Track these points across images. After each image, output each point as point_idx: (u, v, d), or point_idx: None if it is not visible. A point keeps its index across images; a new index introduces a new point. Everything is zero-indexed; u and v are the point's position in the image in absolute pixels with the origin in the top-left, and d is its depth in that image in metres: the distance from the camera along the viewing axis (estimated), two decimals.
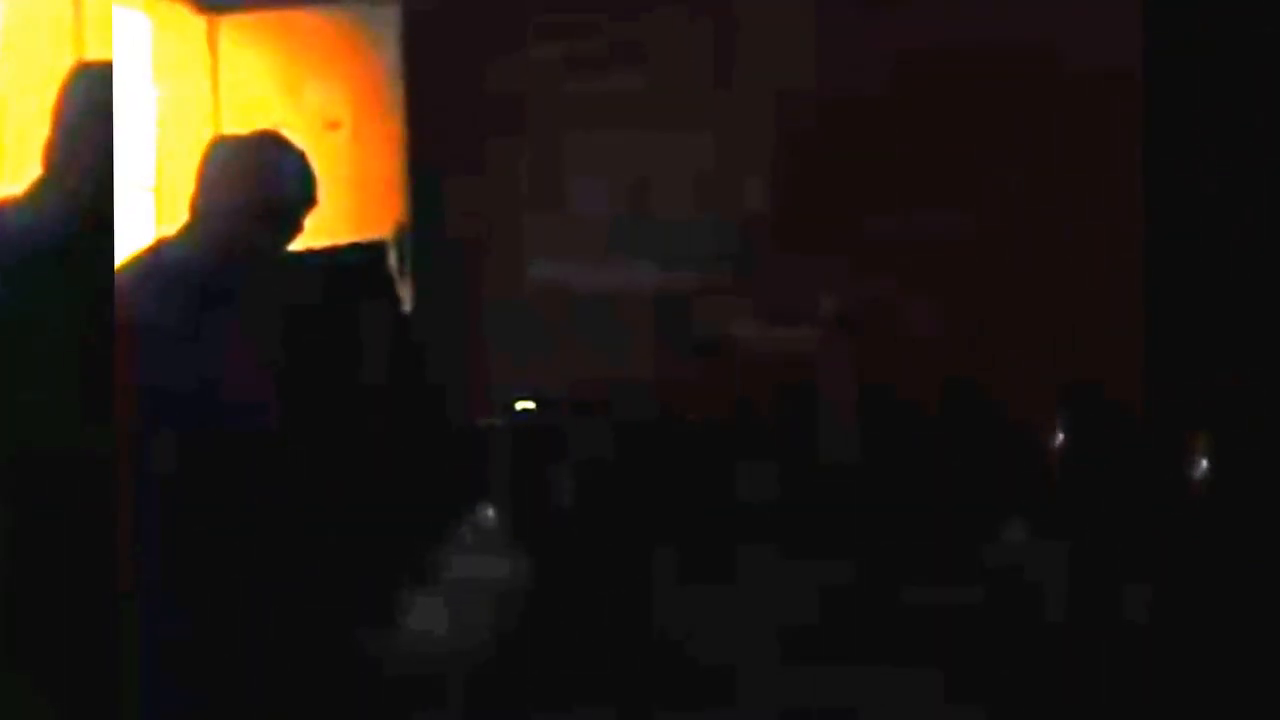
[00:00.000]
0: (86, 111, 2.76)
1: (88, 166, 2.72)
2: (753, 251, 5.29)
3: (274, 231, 3.27)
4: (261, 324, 3.18)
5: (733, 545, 4.67)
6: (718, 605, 4.45)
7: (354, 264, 4.45)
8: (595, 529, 4.69)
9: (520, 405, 5.02)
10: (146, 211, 5.30)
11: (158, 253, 3.27)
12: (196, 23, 5.45)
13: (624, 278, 5.32)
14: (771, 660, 4.25)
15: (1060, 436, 4.55)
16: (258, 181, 3.25)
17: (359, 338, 4.44)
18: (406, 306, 5.07)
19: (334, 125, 4.98)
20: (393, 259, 4.85)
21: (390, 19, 5.34)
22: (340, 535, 3.57)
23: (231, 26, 5.47)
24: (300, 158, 3.30)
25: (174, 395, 3.04)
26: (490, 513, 4.47)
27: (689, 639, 4.35)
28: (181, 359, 3.06)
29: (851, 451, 4.94)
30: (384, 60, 5.36)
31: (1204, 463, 4.14)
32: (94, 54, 4.61)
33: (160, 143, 5.38)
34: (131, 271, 3.18)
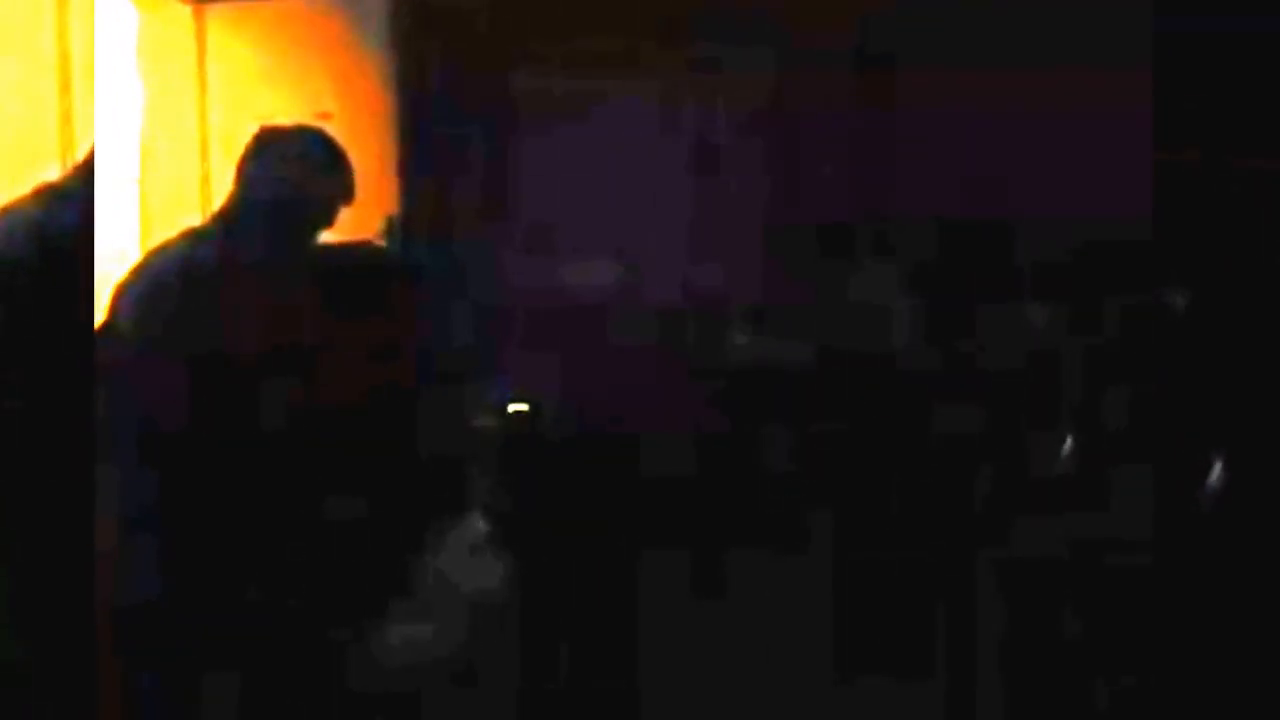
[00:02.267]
0: None
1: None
2: (750, 257, 5.25)
3: (310, 224, 3.34)
4: (262, 315, 3.19)
5: (725, 552, 4.63)
6: (708, 614, 4.41)
7: (344, 260, 4.42)
8: (585, 535, 4.66)
9: (513, 408, 5.00)
10: (131, 204, 5.26)
11: (191, 245, 3.29)
12: (182, 10, 5.38)
13: (621, 278, 5.30)
14: (763, 671, 4.23)
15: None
16: (299, 173, 3.31)
17: (345, 334, 4.42)
18: (397, 303, 5.04)
19: (325, 116, 4.94)
20: (383, 254, 4.82)
21: (382, 7, 5.31)
22: (328, 538, 3.54)
23: (218, 14, 5.40)
24: (339, 151, 3.38)
25: (184, 387, 3.04)
26: (479, 519, 4.44)
27: (676, 647, 4.32)
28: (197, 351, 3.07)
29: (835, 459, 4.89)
30: (376, 50, 5.32)
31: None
32: (77, 43, 4.58)
33: (145, 134, 5.32)
34: (163, 261, 3.20)
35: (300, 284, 3.33)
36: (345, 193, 3.44)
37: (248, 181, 3.34)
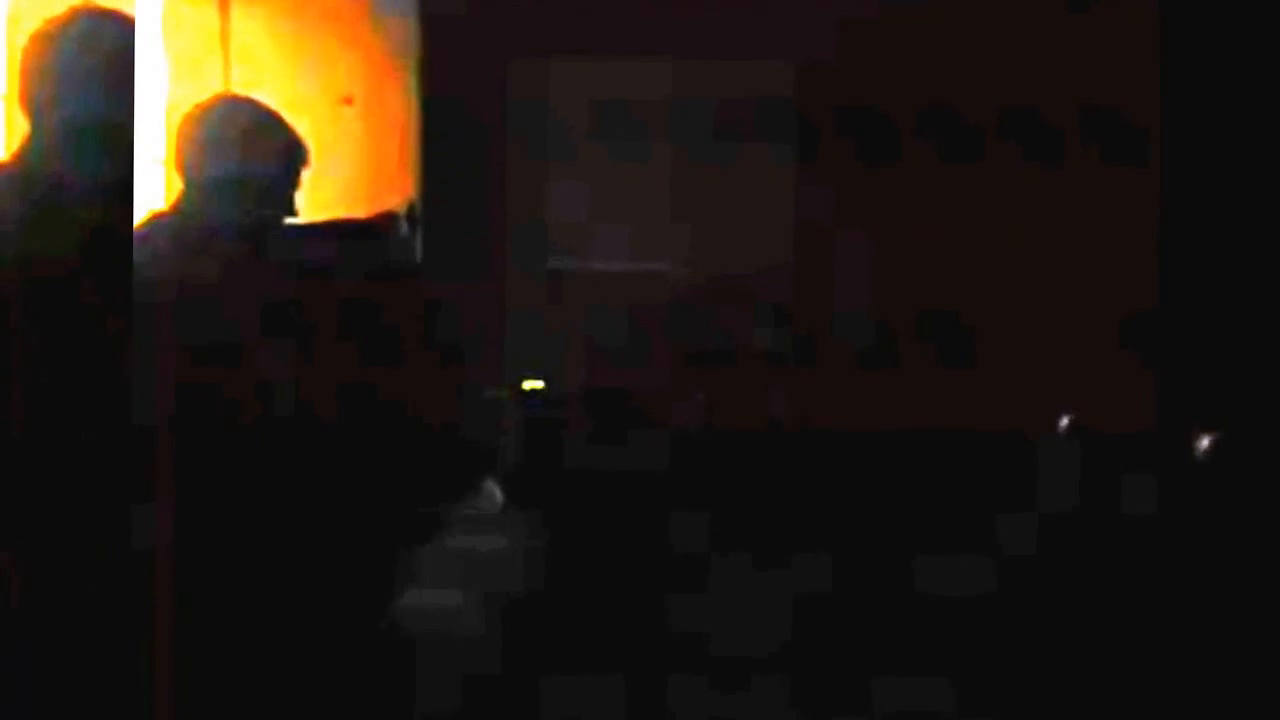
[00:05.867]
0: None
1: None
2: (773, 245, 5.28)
3: (258, 203, 3.20)
4: (264, 299, 3.16)
5: (742, 522, 4.67)
6: (726, 581, 4.45)
7: (364, 240, 4.45)
8: (602, 504, 4.67)
9: (529, 385, 4.99)
10: (158, 185, 5.27)
11: (151, 226, 3.23)
12: None
13: (641, 256, 5.31)
14: (783, 635, 4.24)
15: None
16: (235, 153, 3.18)
17: (366, 314, 4.44)
18: (417, 283, 5.04)
19: (347, 100, 4.95)
20: (404, 235, 4.84)
21: None
22: (347, 511, 3.55)
23: None
24: (283, 128, 3.22)
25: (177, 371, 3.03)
26: (497, 489, 4.46)
27: (697, 613, 4.35)
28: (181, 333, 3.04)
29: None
30: (398, 34, 5.34)
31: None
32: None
33: (171, 116, 5.28)
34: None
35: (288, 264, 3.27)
36: (292, 173, 3.31)
37: (189, 163, 3.22)
